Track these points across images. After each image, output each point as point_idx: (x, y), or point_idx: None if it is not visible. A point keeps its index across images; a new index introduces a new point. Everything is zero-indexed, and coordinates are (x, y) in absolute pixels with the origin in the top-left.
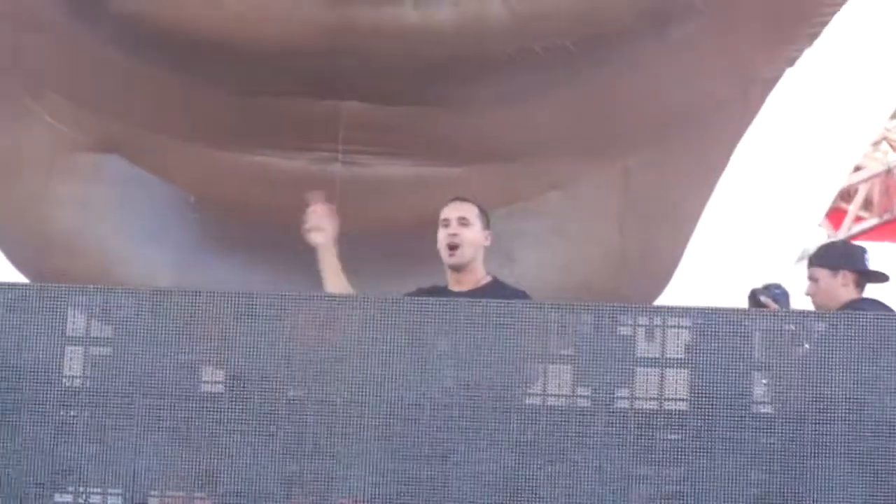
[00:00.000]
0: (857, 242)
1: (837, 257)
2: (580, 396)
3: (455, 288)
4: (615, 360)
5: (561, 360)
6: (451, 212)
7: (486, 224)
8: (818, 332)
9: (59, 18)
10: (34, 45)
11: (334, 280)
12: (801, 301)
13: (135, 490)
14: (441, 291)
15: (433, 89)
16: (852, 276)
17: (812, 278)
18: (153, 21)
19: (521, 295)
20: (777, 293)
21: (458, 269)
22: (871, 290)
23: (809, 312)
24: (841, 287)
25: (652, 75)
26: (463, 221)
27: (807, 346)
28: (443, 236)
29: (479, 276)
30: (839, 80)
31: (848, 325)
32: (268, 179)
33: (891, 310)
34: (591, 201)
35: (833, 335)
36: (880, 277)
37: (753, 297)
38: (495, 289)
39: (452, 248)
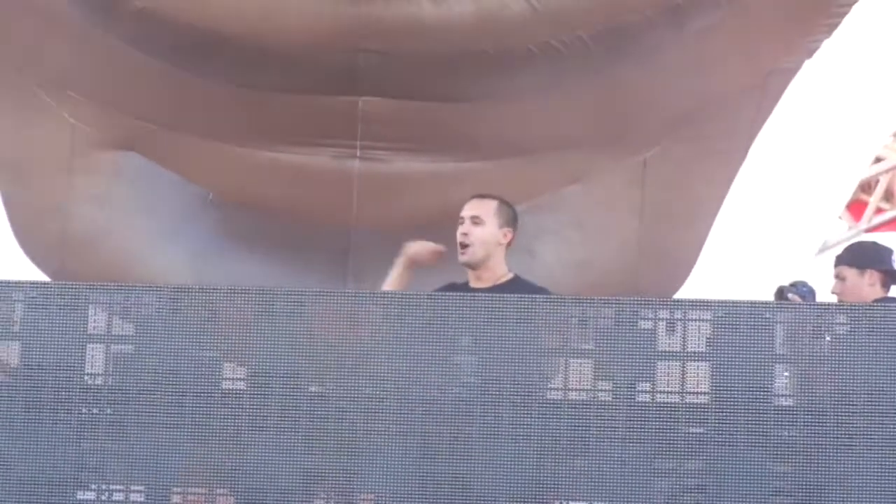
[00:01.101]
0: (880, 238)
1: (865, 257)
2: (601, 391)
3: (474, 285)
4: (636, 355)
5: (582, 355)
6: (467, 210)
7: (508, 221)
8: (840, 325)
9: (79, 16)
10: (53, 44)
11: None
12: (825, 296)
13: (157, 487)
14: (460, 288)
15: (452, 84)
16: (879, 275)
17: (839, 277)
18: (173, 19)
19: (542, 292)
20: (804, 290)
21: (471, 266)
22: None
23: (830, 305)
24: (868, 286)
25: (670, 67)
26: (475, 220)
27: (828, 338)
28: (458, 234)
29: (498, 273)
30: (858, 71)
31: (870, 318)
32: (286, 176)
33: None
34: (610, 195)
35: (855, 328)
36: None
37: (780, 294)
38: (516, 286)
39: (463, 246)
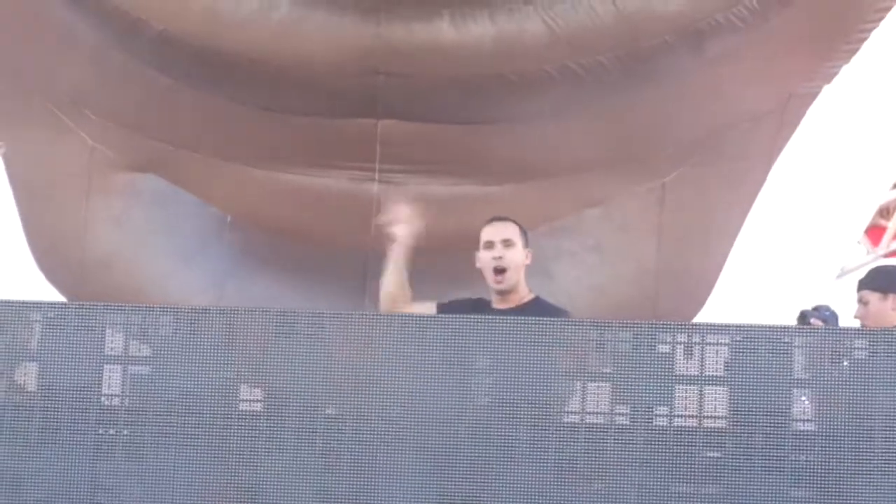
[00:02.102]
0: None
1: (888, 281)
2: (619, 414)
3: (499, 306)
4: (654, 378)
5: (599, 378)
6: (495, 234)
7: (527, 242)
8: (859, 350)
9: (96, 38)
10: (71, 65)
11: (394, 275)
12: (847, 320)
13: None
14: (484, 308)
15: (471, 107)
16: None
17: (862, 301)
18: (192, 42)
19: (562, 313)
20: (827, 314)
21: (506, 292)
22: None
23: (849, 329)
24: (891, 311)
25: (689, 91)
26: (507, 243)
27: (846, 363)
28: (487, 259)
29: (522, 294)
30: (878, 97)
31: (888, 342)
32: (305, 198)
33: None
34: (628, 218)
35: (874, 353)
36: None
37: (803, 317)
38: (538, 307)
39: (499, 271)
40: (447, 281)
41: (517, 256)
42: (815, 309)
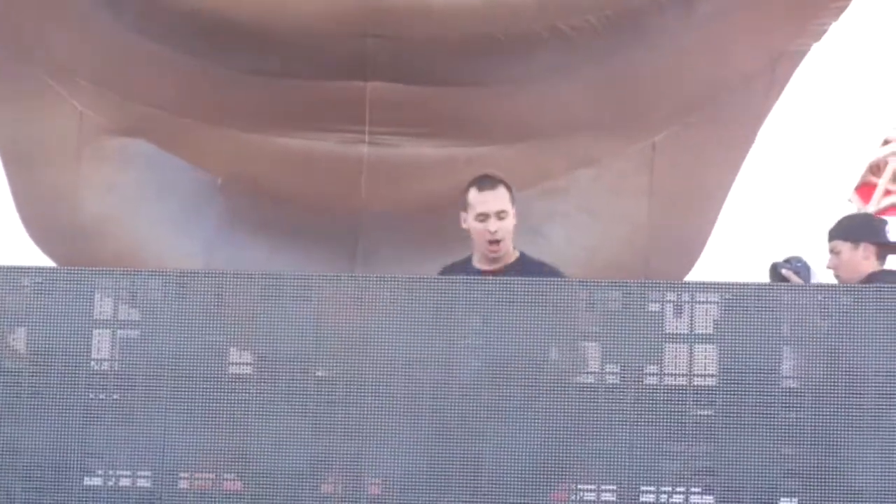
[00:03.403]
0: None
1: (858, 230)
2: (609, 373)
3: (483, 266)
4: (644, 337)
5: (589, 338)
6: (489, 206)
7: (513, 200)
8: (845, 305)
9: (85, 4)
10: (59, 31)
11: None
12: (823, 274)
13: (164, 472)
14: (468, 269)
15: (461, 68)
16: (874, 248)
17: (834, 251)
18: (180, 5)
19: (546, 268)
20: (798, 266)
21: (497, 259)
22: (893, 262)
23: (836, 286)
24: (863, 260)
25: (679, 50)
26: (501, 215)
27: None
28: (480, 229)
29: (510, 251)
30: (867, 54)
31: (875, 297)
32: (295, 161)
33: None
34: (619, 179)
35: (860, 308)
36: None
37: (774, 270)
38: (523, 264)
39: (495, 243)
40: (439, 241)
41: (510, 225)
42: (787, 261)
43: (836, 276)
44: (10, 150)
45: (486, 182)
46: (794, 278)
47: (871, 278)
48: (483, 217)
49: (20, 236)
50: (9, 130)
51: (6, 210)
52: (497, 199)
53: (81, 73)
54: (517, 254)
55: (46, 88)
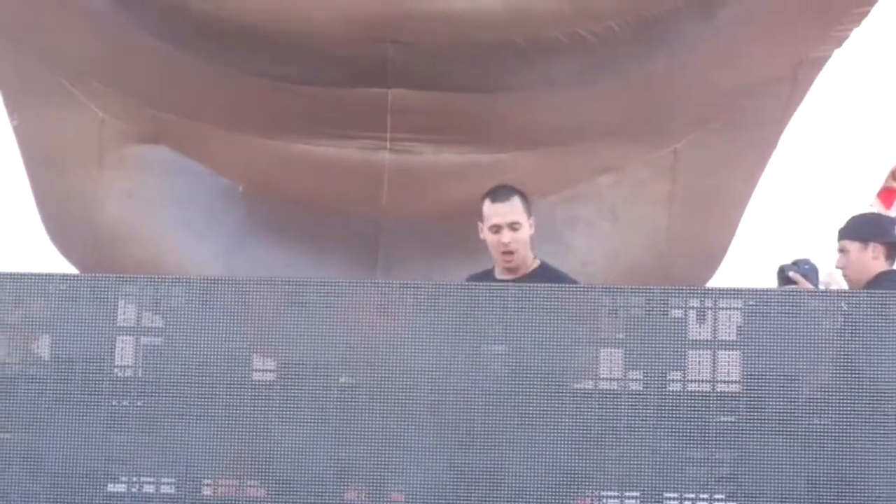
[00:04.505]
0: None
1: (867, 230)
2: (632, 380)
3: (504, 276)
4: (667, 343)
5: (612, 344)
6: (502, 217)
7: (530, 210)
8: (868, 311)
9: (104, 8)
10: (80, 37)
11: None
12: (834, 274)
13: (188, 479)
14: (490, 279)
15: (482, 75)
16: (882, 248)
17: (842, 251)
18: (201, 11)
19: (568, 279)
20: (806, 268)
21: (516, 271)
22: None
23: (862, 292)
24: (871, 259)
25: (700, 57)
26: (514, 226)
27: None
28: (494, 241)
29: (528, 262)
30: (889, 60)
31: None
32: (316, 168)
33: None
34: (640, 185)
35: (883, 314)
36: None
37: (782, 272)
38: (544, 274)
39: (508, 253)
40: (460, 248)
41: (524, 235)
42: (795, 263)
43: (845, 276)
44: (33, 155)
45: (499, 193)
46: (802, 281)
47: (880, 278)
48: (496, 228)
49: (43, 242)
50: (32, 135)
51: (30, 216)
52: (510, 210)
53: (100, 78)
54: (538, 263)
55: (68, 94)
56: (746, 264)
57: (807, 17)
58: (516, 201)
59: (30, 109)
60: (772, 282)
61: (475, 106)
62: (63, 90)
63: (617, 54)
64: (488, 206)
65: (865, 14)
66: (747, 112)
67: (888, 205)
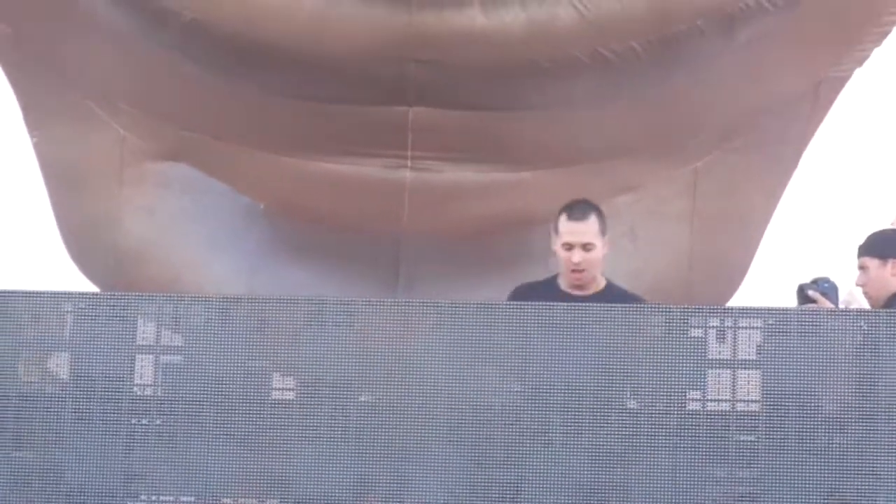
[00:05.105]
0: None
1: (887, 246)
2: (652, 399)
3: (575, 292)
4: (686, 363)
5: (631, 363)
6: (576, 237)
7: (605, 229)
8: (886, 330)
9: (125, 27)
10: (100, 55)
11: None
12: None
13: (207, 497)
14: (553, 288)
15: (503, 94)
16: None
17: (862, 268)
18: (223, 29)
19: (635, 298)
20: (826, 287)
21: (580, 287)
22: None
23: (882, 312)
24: (891, 276)
25: (720, 76)
26: (588, 247)
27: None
28: (565, 257)
29: (598, 281)
30: None
31: None
32: (337, 186)
33: None
34: (661, 204)
35: None
36: None
37: (801, 291)
38: (612, 293)
39: (577, 272)
40: (482, 267)
41: (596, 255)
42: (814, 282)
43: (865, 293)
44: (54, 172)
45: (576, 210)
46: (822, 300)
47: None
48: (568, 247)
49: (63, 261)
50: (53, 152)
51: (50, 234)
52: (586, 231)
53: (121, 96)
54: (604, 282)
55: (89, 112)
56: (766, 282)
57: (828, 37)
58: (592, 220)
59: (51, 126)
60: (791, 300)
61: (496, 124)
62: (84, 107)
63: (638, 73)
64: (563, 223)
65: (887, 34)
66: (768, 131)
67: None
